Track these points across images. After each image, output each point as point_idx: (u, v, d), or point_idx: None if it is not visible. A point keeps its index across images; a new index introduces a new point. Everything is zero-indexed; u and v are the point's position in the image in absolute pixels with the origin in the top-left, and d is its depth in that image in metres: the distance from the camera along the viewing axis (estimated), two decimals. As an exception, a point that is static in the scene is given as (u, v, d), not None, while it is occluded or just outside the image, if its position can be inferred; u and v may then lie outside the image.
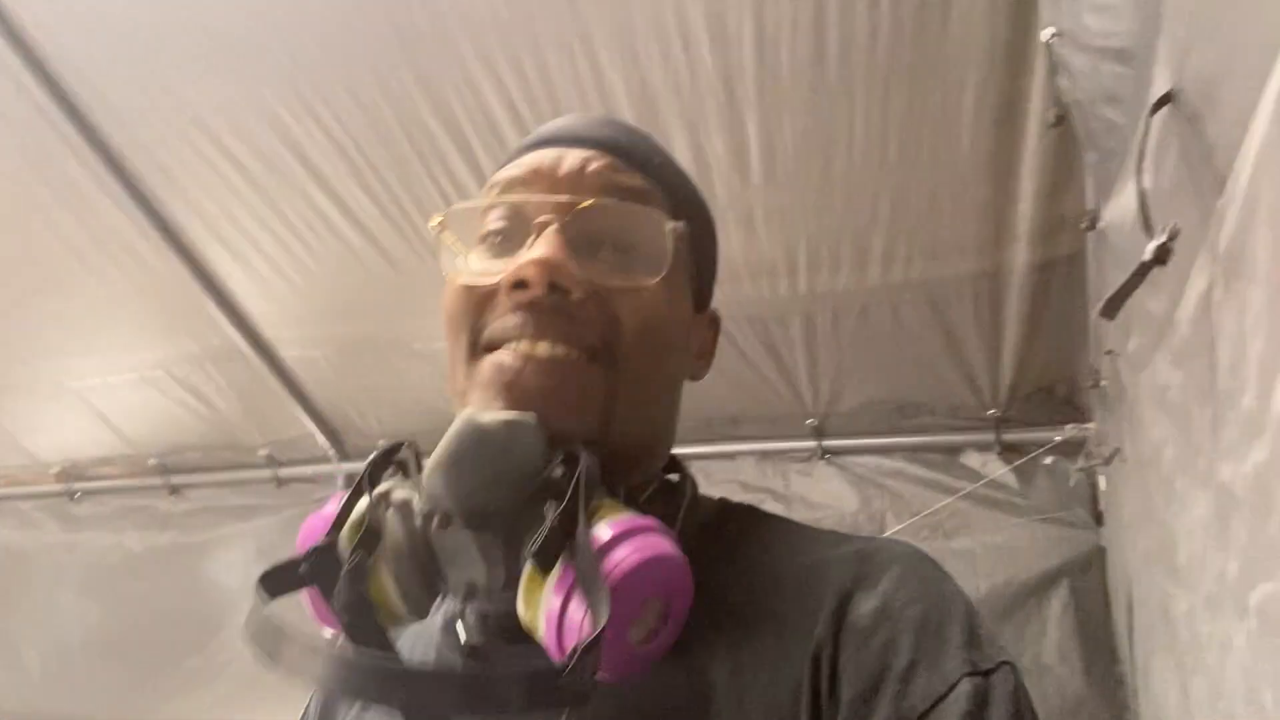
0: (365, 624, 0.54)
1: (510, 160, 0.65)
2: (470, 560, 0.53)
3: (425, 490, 0.54)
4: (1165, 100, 0.84)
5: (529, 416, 0.54)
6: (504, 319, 0.58)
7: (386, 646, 0.55)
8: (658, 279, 0.60)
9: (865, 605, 0.52)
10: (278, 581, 0.55)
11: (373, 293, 2.05)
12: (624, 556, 0.48)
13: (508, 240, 0.61)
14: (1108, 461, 1.62)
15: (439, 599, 0.57)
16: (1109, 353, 1.35)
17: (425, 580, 0.55)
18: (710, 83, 1.49)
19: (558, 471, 0.52)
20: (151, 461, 2.64)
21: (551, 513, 0.50)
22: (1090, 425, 1.87)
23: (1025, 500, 1.95)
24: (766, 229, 1.69)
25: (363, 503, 0.56)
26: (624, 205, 0.60)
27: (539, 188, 0.61)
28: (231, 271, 2.09)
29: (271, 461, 2.57)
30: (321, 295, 2.10)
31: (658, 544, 0.50)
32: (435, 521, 0.54)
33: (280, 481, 2.58)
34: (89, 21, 1.67)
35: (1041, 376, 1.87)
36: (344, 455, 2.50)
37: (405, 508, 0.55)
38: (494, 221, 0.62)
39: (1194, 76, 0.81)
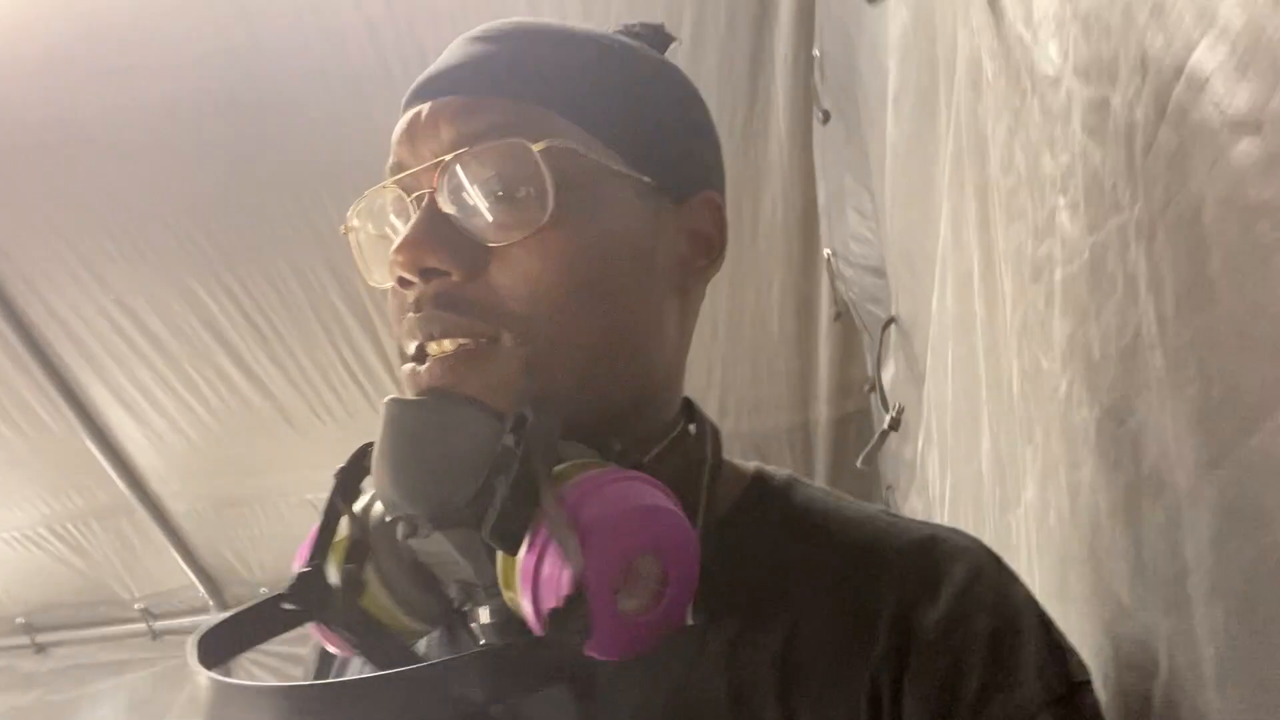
0: (375, 639, 0.51)
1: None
2: (454, 560, 0.48)
3: (378, 495, 0.49)
4: (890, 321, 1.27)
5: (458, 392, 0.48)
6: (403, 323, 0.51)
7: (407, 658, 0.52)
8: (547, 216, 0.49)
9: (929, 616, 0.47)
10: (247, 631, 0.51)
11: (269, 449, 2.25)
12: (594, 511, 0.42)
13: (394, 233, 0.53)
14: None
15: (452, 602, 0.52)
16: (889, 488, 1.76)
17: (424, 587, 0.51)
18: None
19: (509, 440, 0.45)
20: (19, 620, 2.64)
21: (502, 486, 0.44)
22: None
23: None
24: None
25: (344, 519, 0.52)
26: (476, 149, 0.49)
27: (407, 163, 0.52)
28: (129, 431, 2.25)
29: (147, 615, 2.63)
30: (217, 450, 2.28)
31: (637, 492, 0.44)
32: (402, 527, 0.48)
33: (155, 634, 2.64)
34: (11, 199, 1.88)
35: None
36: (222, 605, 2.60)
37: (383, 516, 0.51)
38: (377, 216, 0.55)
39: (904, 309, 1.24)
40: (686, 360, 0.57)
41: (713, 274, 0.56)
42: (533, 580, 0.42)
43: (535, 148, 0.48)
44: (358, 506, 0.52)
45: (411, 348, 0.50)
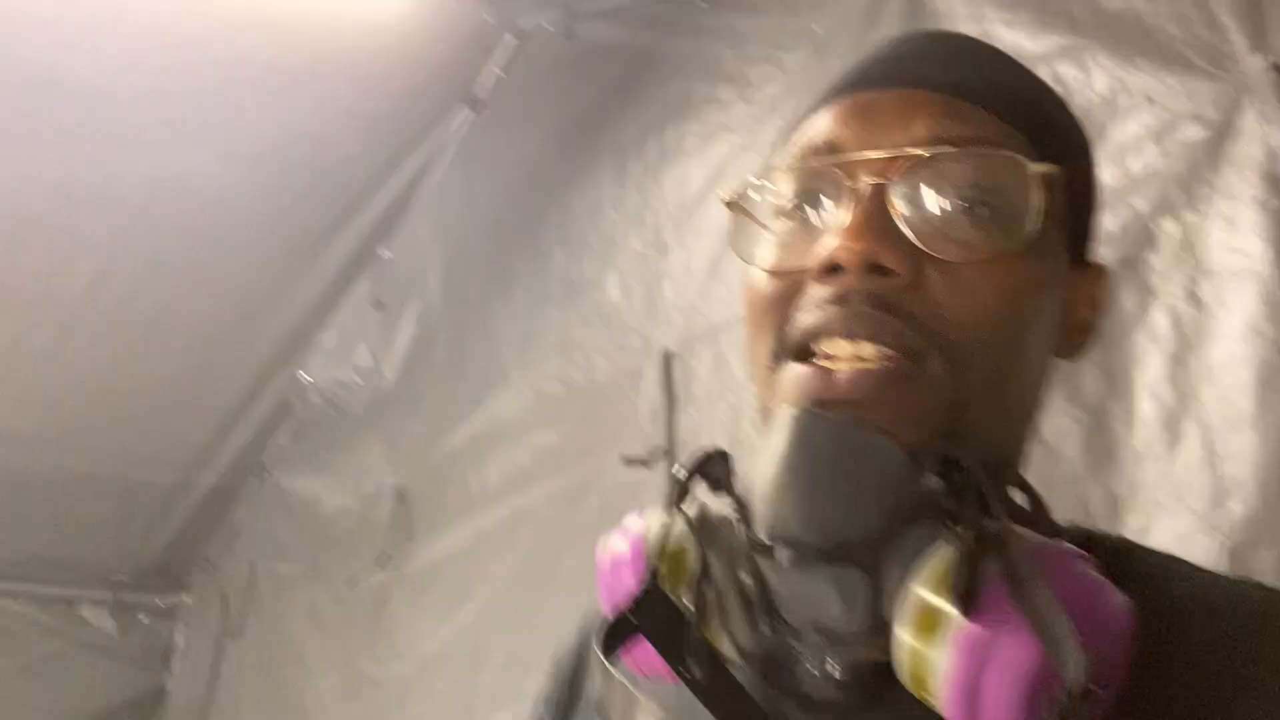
0: (719, 676, 0.45)
1: (809, 114, 0.52)
2: (821, 599, 0.43)
3: (760, 514, 0.43)
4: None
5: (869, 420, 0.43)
6: (813, 313, 0.46)
7: (746, 699, 0.45)
8: (1021, 243, 0.45)
9: None
10: (614, 639, 0.46)
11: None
12: (1076, 594, 0.37)
13: (816, 215, 0.48)
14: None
15: (783, 641, 0.46)
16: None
17: (752, 620, 0.46)
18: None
19: (933, 483, 0.42)
20: None
21: (954, 535, 0.39)
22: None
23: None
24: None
25: (679, 529, 0.47)
26: (965, 152, 0.46)
27: (850, 145, 0.48)
28: None
29: None
30: None
31: (1102, 582, 0.39)
32: (788, 554, 0.43)
33: None
34: None
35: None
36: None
37: (726, 531, 0.47)
38: (798, 193, 0.49)
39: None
40: None
41: (1083, 355, 0.53)
42: (982, 654, 0.37)
43: (1032, 169, 0.46)
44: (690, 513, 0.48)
45: (803, 344, 0.46)
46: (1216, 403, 0.98)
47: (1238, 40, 1.05)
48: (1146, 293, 1.05)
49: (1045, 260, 0.48)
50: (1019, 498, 0.46)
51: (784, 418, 0.43)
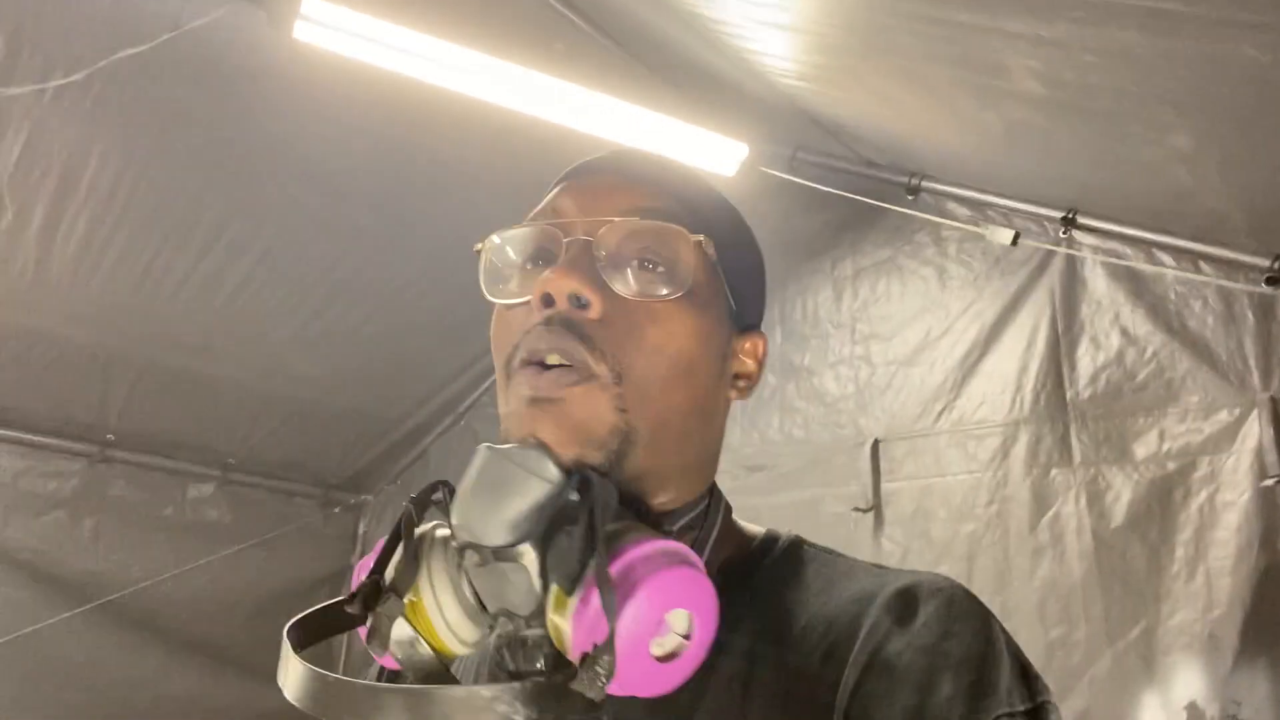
0: (417, 657, 0.58)
1: (548, 192, 0.68)
2: (504, 589, 0.55)
3: (455, 524, 0.56)
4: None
5: (540, 445, 0.57)
6: (531, 334, 0.60)
7: (444, 677, 0.58)
8: (680, 293, 0.61)
9: (898, 643, 0.54)
10: (321, 625, 0.58)
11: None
12: (642, 573, 0.51)
13: (542, 263, 0.63)
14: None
15: (487, 629, 0.58)
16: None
17: (469, 612, 0.58)
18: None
19: (573, 497, 0.54)
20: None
21: (570, 538, 0.53)
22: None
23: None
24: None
25: (405, 543, 0.58)
26: (645, 223, 0.61)
27: (569, 213, 0.63)
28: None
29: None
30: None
31: (677, 561, 0.53)
32: (467, 554, 0.56)
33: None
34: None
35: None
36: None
37: (445, 543, 0.58)
38: (529, 247, 0.64)
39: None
40: (719, 455, 0.68)
41: (744, 398, 0.69)
42: (581, 621, 0.51)
43: (692, 238, 0.62)
44: (422, 531, 0.60)
45: (526, 356, 0.60)
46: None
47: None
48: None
49: (707, 315, 0.63)
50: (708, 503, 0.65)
51: (476, 453, 0.57)
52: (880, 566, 0.63)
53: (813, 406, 2.61)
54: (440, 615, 0.57)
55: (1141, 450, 2.09)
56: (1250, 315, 2.02)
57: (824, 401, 2.60)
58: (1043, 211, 2.30)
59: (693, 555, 0.55)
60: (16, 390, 2.81)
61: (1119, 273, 2.20)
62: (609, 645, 0.49)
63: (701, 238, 0.62)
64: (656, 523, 0.60)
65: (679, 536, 0.59)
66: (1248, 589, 1.90)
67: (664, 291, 0.61)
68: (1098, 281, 2.23)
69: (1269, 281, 1.97)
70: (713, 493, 0.67)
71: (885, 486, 2.41)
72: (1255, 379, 2.00)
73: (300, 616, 0.58)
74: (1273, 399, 1.95)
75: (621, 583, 0.51)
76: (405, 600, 0.57)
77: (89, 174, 2.25)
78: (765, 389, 2.70)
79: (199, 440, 3.21)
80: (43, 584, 2.87)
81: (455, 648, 0.58)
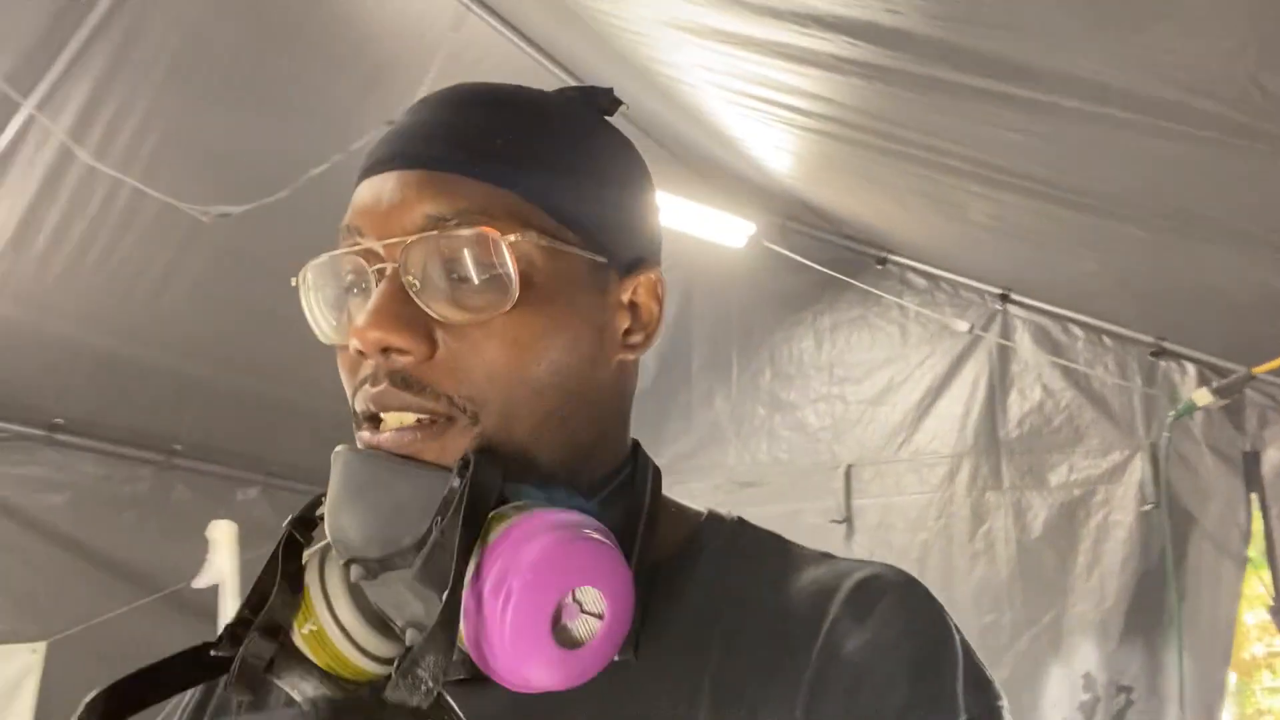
0: (331, 690, 0.51)
1: (355, 185, 0.57)
2: (401, 599, 0.49)
3: (330, 539, 0.51)
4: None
5: None
6: (362, 394, 0.53)
7: (368, 706, 0.52)
8: (511, 302, 0.51)
9: (857, 639, 0.51)
10: (171, 678, 0.52)
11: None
12: (524, 551, 0.45)
13: (361, 292, 0.54)
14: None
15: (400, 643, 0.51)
16: None
17: (378, 629, 0.51)
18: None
19: (455, 483, 0.48)
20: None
21: (436, 529, 0.46)
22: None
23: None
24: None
25: (284, 568, 0.52)
26: (445, 237, 0.51)
27: (368, 231, 0.53)
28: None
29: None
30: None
31: (571, 531, 0.47)
32: (354, 570, 0.49)
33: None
34: None
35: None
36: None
37: (335, 560, 0.52)
38: (342, 277, 0.56)
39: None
40: (630, 411, 0.61)
41: (647, 349, 0.59)
42: (473, 619, 0.45)
43: (504, 241, 0.51)
44: (310, 553, 0.53)
45: (363, 412, 0.53)
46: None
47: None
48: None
49: (557, 302, 0.53)
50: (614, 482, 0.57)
51: (335, 456, 0.52)
52: (829, 555, 0.59)
53: (796, 435, 3.19)
54: (347, 640, 0.51)
55: (1055, 479, 2.78)
56: (1139, 379, 2.70)
57: (805, 431, 3.17)
58: (985, 287, 2.95)
59: (595, 525, 0.49)
60: (100, 406, 3.19)
61: (1042, 340, 2.86)
62: (433, 642, 0.44)
63: (514, 236, 0.52)
64: (568, 501, 0.53)
65: (599, 514, 0.51)
66: (1130, 587, 2.60)
67: (493, 302, 0.52)
68: (1025, 346, 2.89)
69: (1153, 354, 2.65)
70: (636, 459, 0.60)
71: (855, 503, 3.00)
72: (1140, 429, 2.68)
73: (115, 683, 0.52)
74: (1152, 445, 2.62)
75: (496, 566, 0.46)
76: (304, 631, 0.51)
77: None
78: (755, 419, 3.26)
79: (246, 449, 3.62)
80: (118, 575, 3.25)
81: (374, 669, 0.52)
